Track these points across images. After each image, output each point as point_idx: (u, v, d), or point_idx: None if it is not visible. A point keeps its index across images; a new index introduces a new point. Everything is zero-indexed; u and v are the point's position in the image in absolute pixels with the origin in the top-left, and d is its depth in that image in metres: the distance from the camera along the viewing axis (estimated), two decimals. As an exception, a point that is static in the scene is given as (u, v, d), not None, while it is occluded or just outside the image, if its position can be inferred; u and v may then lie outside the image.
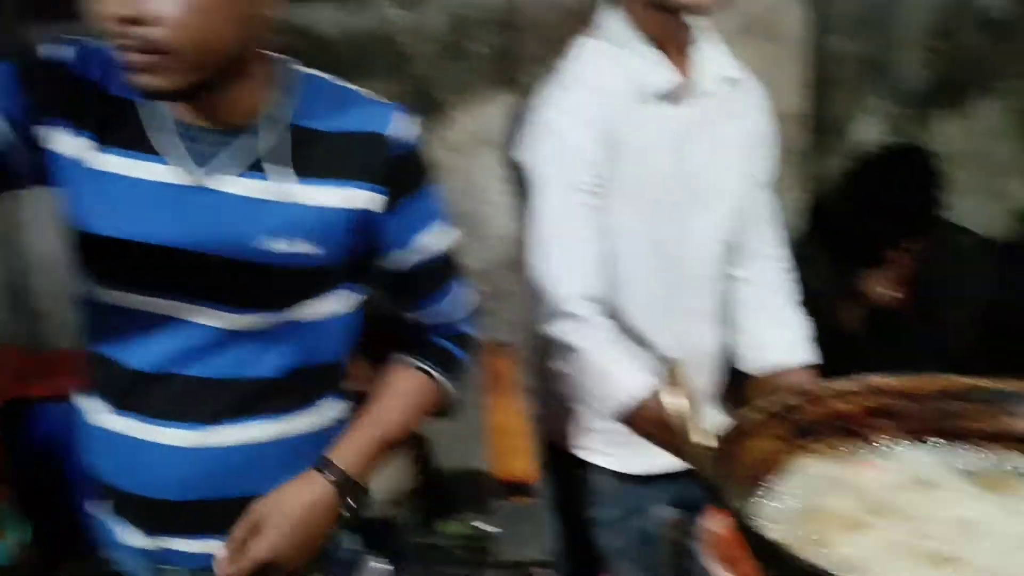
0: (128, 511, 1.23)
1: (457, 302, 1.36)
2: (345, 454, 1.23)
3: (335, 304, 1.24)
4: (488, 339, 1.04)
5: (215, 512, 1.19)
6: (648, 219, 1.59)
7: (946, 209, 2.52)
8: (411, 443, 3.05)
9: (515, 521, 0.71)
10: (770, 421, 0.98)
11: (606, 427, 1.56)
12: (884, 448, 1.01)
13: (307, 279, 1.19)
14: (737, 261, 1.75)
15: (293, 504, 1.17)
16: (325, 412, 1.29)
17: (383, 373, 1.32)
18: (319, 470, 1.20)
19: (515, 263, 3.12)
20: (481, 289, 3.13)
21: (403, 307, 1.34)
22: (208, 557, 1.18)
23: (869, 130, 2.92)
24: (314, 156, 1.17)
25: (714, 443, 0.86)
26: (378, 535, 2.83)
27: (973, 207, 2.85)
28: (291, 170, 1.16)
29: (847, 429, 1.03)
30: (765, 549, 0.71)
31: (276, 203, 1.15)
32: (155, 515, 1.20)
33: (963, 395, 1.03)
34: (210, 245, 1.13)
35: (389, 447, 1.28)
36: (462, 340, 1.37)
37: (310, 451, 1.23)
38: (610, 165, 1.54)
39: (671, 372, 0.84)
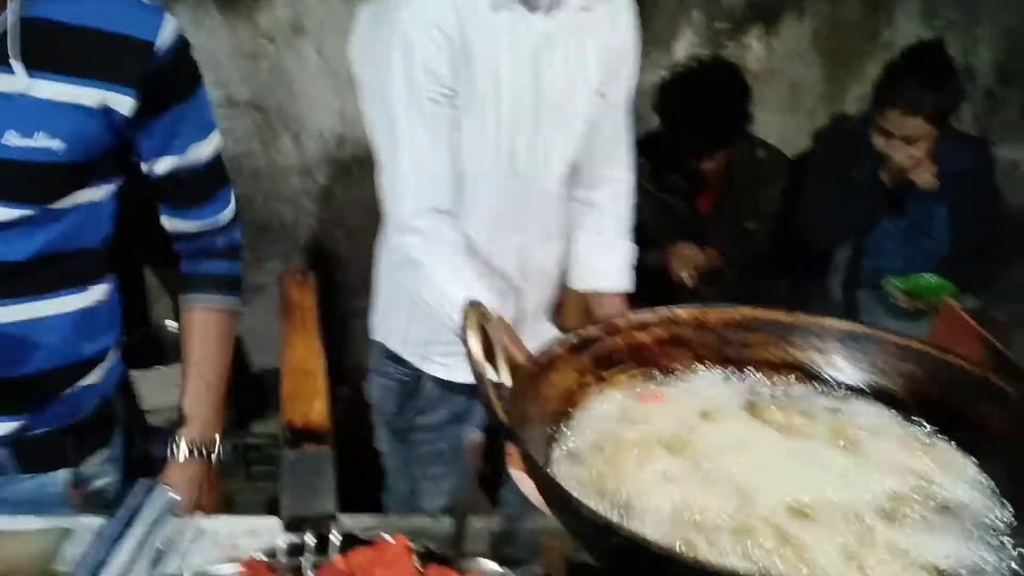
0: None
1: (222, 211, 1.41)
2: (198, 426, 1.38)
3: (90, 195, 1.26)
4: (287, 269, 0.99)
5: None
6: (498, 133, 1.54)
7: (750, 124, 2.65)
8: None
9: (302, 472, 0.69)
10: (571, 354, 1.00)
11: (437, 338, 1.58)
12: (677, 379, 1.06)
13: (51, 174, 1.18)
14: (582, 182, 1.75)
15: (188, 488, 1.34)
16: (90, 296, 1.33)
17: (186, 323, 1.42)
18: (174, 455, 1.37)
19: (333, 160, 3.06)
20: (301, 187, 2.99)
21: (168, 212, 1.39)
22: None
23: (690, 46, 2.98)
24: (55, 49, 1.14)
25: (510, 384, 0.86)
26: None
27: (776, 123, 3.01)
28: (21, 63, 1.12)
29: (643, 360, 1.07)
30: (552, 493, 0.73)
31: (9, 95, 1.12)
32: None
33: (750, 325, 1.10)
34: None
35: (222, 387, 1.44)
36: (232, 252, 1.45)
37: (74, 333, 1.30)
38: (461, 74, 1.48)
39: (469, 312, 0.82)
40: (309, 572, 0.66)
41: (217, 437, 1.41)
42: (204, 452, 1.38)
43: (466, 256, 1.55)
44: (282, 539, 0.68)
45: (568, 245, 1.79)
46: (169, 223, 1.40)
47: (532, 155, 1.60)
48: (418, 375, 1.76)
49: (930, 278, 2.57)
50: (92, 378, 1.37)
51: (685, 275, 2.65)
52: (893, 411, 1.00)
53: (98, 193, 1.28)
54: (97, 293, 1.35)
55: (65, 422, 1.35)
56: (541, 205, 1.67)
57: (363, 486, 1.67)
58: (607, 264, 1.78)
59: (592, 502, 0.83)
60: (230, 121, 2.90)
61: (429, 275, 1.50)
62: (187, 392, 1.40)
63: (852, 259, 2.71)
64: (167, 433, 1.46)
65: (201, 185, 1.37)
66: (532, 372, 0.93)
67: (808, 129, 3.16)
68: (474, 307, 0.82)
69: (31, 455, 1.32)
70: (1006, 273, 2.76)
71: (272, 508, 2.94)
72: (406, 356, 1.76)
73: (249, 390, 3.11)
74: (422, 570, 0.65)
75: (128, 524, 1.06)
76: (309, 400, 0.78)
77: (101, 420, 1.41)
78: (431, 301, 1.52)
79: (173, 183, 1.33)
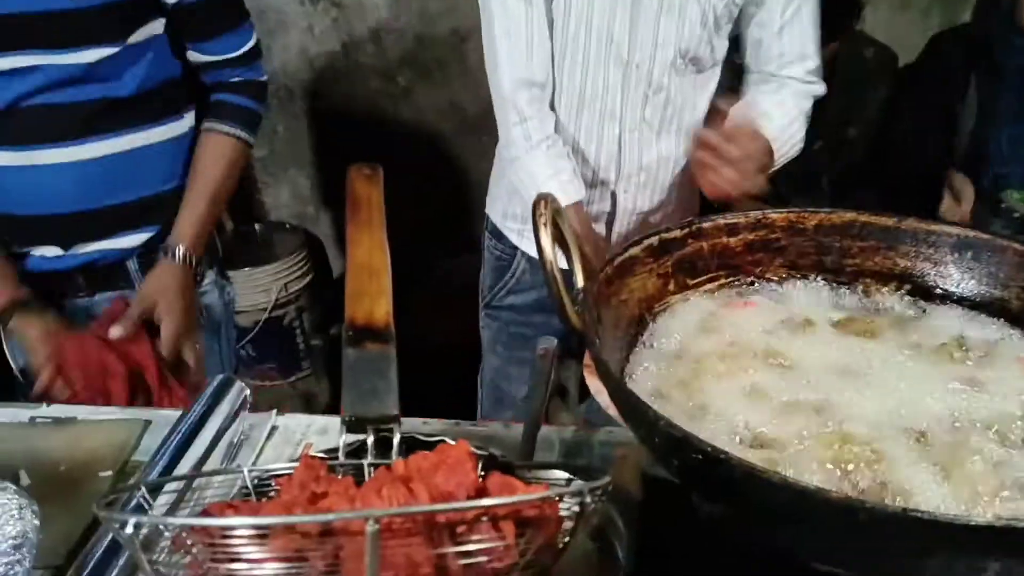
0: (32, 232, 1.48)
1: (240, 46, 1.52)
2: (187, 235, 1.50)
3: (152, 28, 1.43)
4: (354, 165, 0.95)
5: (107, 217, 1.48)
6: (590, 11, 1.47)
7: (859, 19, 2.45)
8: (305, 246, 2.98)
9: (363, 371, 0.66)
10: (652, 257, 0.93)
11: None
12: (770, 288, 0.99)
13: (114, 12, 1.36)
14: (763, 59, 1.58)
15: (174, 290, 1.49)
16: (185, 122, 1.55)
17: (200, 145, 1.54)
18: (172, 257, 1.49)
19: (414, 61, 2.98)
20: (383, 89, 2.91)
21: (190, 43, 1.50)
22: (118, 253, 1.53)
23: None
24: None
25: (584, 286, 0.81)
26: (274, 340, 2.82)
27: (887, 21, 2.78)
28: None
29: (732, 266, 0.99)
30: (626, 403, 0.68)
31: None
32: (57, 228, 1.47)
33: (852, 231, 1.00)
34: (15, 5, 1.31)
35: (218, 210, 1.58)
36: (252, 88, 1.57)
37: (172, 156, 1.54)
38: None
39: (540, 206, 0.76)
40: (368, 473, 0.63)
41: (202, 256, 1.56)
42: (192, 262, 1.50)
43: (557, 146, 1.53)
44: (344, 439, 0.65)
45: (690, 144, 1.66)
46: (191, 55, 1.52)
47: (633, 40, 1.49)
48: (514, 252, 1.77)
49: None
50: None
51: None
52: (1012, 327, 0.90)
53: (156, 27, 1.44)
54: (190, 119, 1.55)
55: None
56: (643, 96, 1.55)
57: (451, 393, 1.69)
58: (778, 112, 1.56)
59: (669, 413, 0.78)
60: (309, 18, 2.85)
61: (520, 156, 1.53)
62: (187, 204, 1.51)
63: (969, 173, 2.51)
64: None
65: (212, 16, 1.47)
66: (610, 275, 0.87)
67: (921, 29, 2.90)
68: (546, 201, 0.76)
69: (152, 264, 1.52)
70: None
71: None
72: (505, 231, 1.78)
73: (331, 293, 3.15)
74: (484, 477, 0.61)
75: (204, 417, 1.07)
76: (373, 298, 0.74)
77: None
78: (518, 183, 1.56)
79: (186, 13, 1.44)
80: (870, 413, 0.78)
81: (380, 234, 0.83)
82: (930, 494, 0.67)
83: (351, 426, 0.65)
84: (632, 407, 0.67)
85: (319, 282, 3.07)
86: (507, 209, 1.76)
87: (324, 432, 1.12)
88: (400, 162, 3.08)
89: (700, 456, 0.61)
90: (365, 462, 0.64)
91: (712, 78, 1.62)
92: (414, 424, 1.10)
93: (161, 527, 0.55)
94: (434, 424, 1.17)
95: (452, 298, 2.26)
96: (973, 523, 0.54)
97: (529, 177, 1.53)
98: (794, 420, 0.77)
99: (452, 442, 0.64)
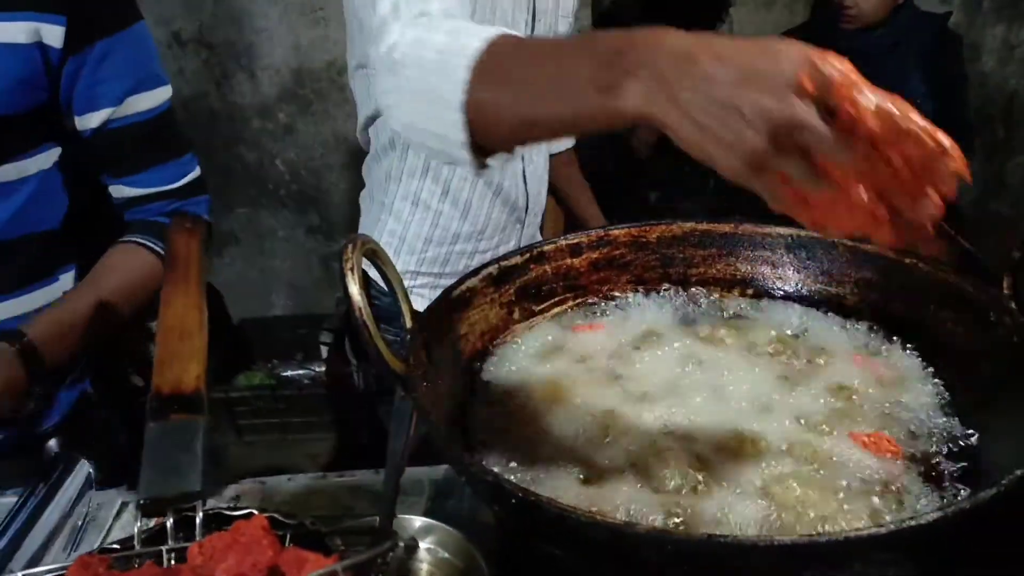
0: None
1: (179, 178, 1.22)
2: (38, 324, 1.09)
3: (37, 163, 1.11)
4: (176, 218, 0.90)
5: None
6: None
7: (727, 18, 2.51)
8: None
9: (166, 445, 0.62)
10: (491, 287, 0.91)
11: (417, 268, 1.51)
12: (616, 306, 0.98)
13: None
14: None
15: None
16: (60, 287, 1.19)
17: (108, 253, 1.19)
18: (11, 340, 1.06)
19: (292, 96, 2.93)
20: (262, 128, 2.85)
21: (110, 175, 1.20)
22: None
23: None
24: None
25: (412, 326, 0.78)
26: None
27: (753, 19, 2.85)
28: None
29: (576, 286, 0.98)
30: (443, 452, 0.65)
31: None
32: None
33: (694, 241, 1.00)
34: None
35: (100, 321, 1.14)
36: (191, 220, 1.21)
37: None
38: None
39: (350, 247, 0.72)
40: (168, 559, 0.59)
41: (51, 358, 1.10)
42: (29, 356, 1.06)
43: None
44: (138, 525, 0.61)
45: None
46: (115, 190, 1.21)
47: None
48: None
49: None
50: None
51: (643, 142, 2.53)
52: (846, 320, 0.91)
53: (43, 160, 1.13)
54: (67, 283, 1.20)
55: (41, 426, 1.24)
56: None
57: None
58: None
59: (505, 449, 0.76)
60: (179, 62, 2.77)
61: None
62: (52, 307, 1.14)
63: None
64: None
65: (145, 146, 1.18)
66: (443, 311, 0.85)
67: (787, 26, 3.00)
68: (355, 243, 0.72)
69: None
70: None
71: (261, 463, 2.91)
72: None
73: (230, 343, 3.06)
74: (284, 549, 0.58)
75: (46, 501, 1.00)
76: (183, 363, 0.70)
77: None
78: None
79: (110, 142, 1.15)
80: (710, 426, 0.77)
81: (196, 291, 0.78)
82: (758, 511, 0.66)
83: (147, 510, 0.61)
84: (449, 458, 0.64)
85: (216, 333, 2.97)
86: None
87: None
88: (288, 198, 3.05)
89: (514, 501, 0.59)
90: (164, 548, 0.60)
91: None
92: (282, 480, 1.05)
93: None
94: (299, 479, 1.13)
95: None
96: (776, 543, 0.53)
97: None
98: (635, 442, 0.76)
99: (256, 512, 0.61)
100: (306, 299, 3.18)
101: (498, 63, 0.68)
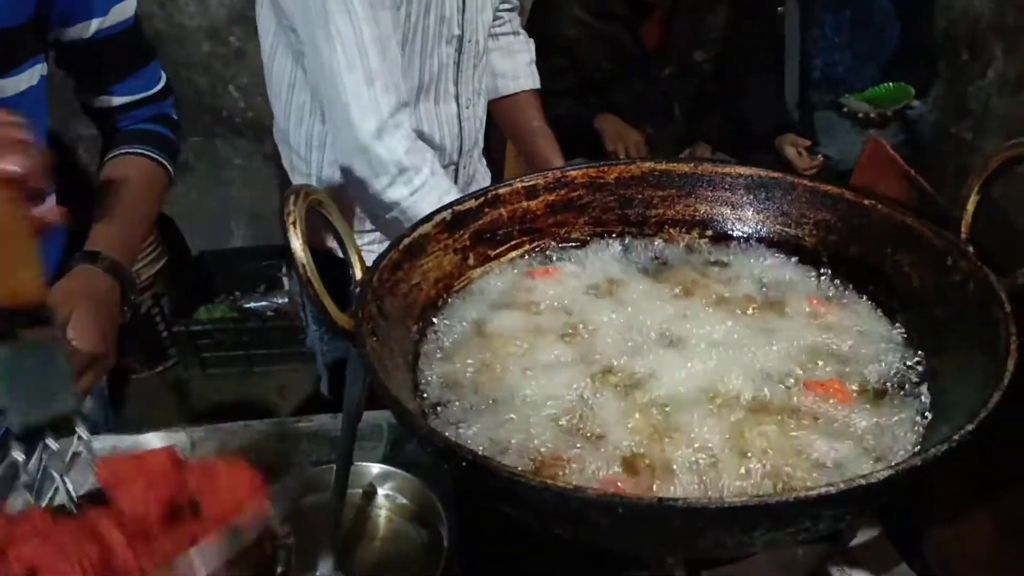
0: None
1: (154, 84, 1.28)
2: (111, 246, 1.11)
3: (25, 79, 1.10)
4: None
5: None
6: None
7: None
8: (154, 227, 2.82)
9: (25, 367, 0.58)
10: (445, 233, 0.89)
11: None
12: (571, 246, 0.96)
13: None
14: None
15: (93, 295, 1.06)
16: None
17: (106, 169, 1.21)
18: (92, 263, 1.09)
19: (243, 18, 2.80)
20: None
21: (98, 90, 1.23)
22: None
23: None
24: None
25: (362, 278, 0.75)
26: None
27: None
28: None
29: (533, 229, 0.96)
30: (393, 409, 0.64)
31: None
32: None
33: (653, 181, 0.98)
34: None
35: (141, 239, 1.22)
36: (167, 120, 1.30)
37: None
38: None
39: (292, 198, 0.69)
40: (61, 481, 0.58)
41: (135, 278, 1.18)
42: (124, 277, 1.11)
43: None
44: (19, 458, 0.58)
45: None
46: (98, 101, 1.24)
47: (463, 13, 1.42)
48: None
49: (886, 86, 2.52)
50: None
51: (620, 148, 2.47)
52: (803, 264, 0.90)
53: (32, 76, 1.11)
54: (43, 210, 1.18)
55: None
56: (473, 67, 1.50)
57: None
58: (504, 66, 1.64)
59: (464, 405, 0.75)
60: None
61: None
62: (102, 217, 1.15)
63: (801, 68, 2.59)
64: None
65: (129, 52, 1.23)
66: (396, 260, 0.82)
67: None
68: (297, 194, 0.69)
69: None
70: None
71: (228, 398, 2.88)
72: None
73: (191, 274, 3.01)
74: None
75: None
76: (10, 269, 0.62)
77: None
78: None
79: (101, 51, 1.19)
80: (667, 375, 0.77)
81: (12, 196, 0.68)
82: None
83: (24, 439, 0.58)
84: (400, 417, 0.63)
85: (176, 264, 2.91)
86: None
87: (135, 450, 1.04)
88: (244, 125, 2.95)
89: (465, 463, 0.58)
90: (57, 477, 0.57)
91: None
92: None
93: None
94: (256, 424, 1.12)
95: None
96: (727, 505, 0.52)
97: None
98: (593, 392, 0.75)
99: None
100: (267, 229, 3.11)
101: None
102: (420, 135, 1.41)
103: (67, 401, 0.59)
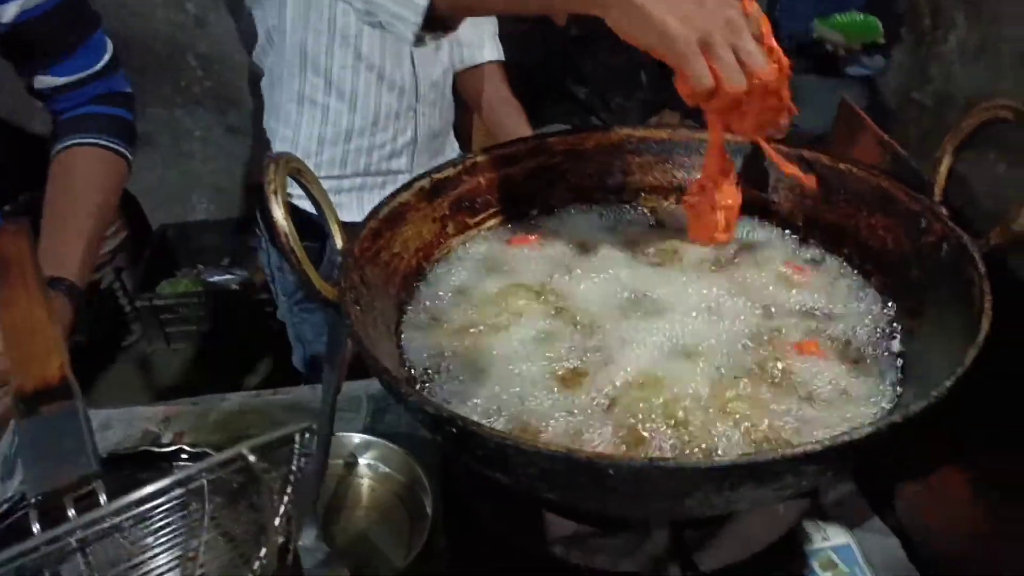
0: None
1: (96, 61, 1.20)
2: (69, 264, 1.09)
3: None
4: (8, 223, 0.82)
5: None
6: None
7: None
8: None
9: (45, 439, 0.59)
10: (424, 201, 0.88)
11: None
12: (552, 217, 0.96)
13: None
14: None
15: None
16: None
17: (57, 165, 1.16)
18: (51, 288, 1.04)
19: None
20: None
21: (31, 69, 1.17)
22: None
23: None
24: None
25: (343, 247, 0.75)
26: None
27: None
28: None
29: (512, 196, 0.96)
30: (384, 383, 0.63)
31: None
32: None
33: (630, 147, 0.98)
34: None
35: (99, 246, 1.17)
36: (118, 98, 1.23)
37: None
38: None
39: (272, 167, 0.68)
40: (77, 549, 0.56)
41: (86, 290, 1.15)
42: (80, 299, 1.10)
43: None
44: (36, 527, 0.57)
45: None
46: (38, 83, 1.18)
47: None
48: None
49: (854, 14, 2.52)
50: None
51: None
52: (780, 229, 0.91)
53: None
54: None
55: None
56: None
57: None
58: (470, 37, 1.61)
59: (447, 373, 0.75)
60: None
61: None
62: (59, 228, 1.12)
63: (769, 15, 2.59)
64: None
65: (60, 32, 1.16)
66: (376, 228, 0.81)
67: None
68: (278, 162, 0.68)
69: None
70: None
71: (194, 372, 2.83)
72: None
73: (152, 250, 2.95)
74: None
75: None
76: (41, 360, 0.65)
77: None
78: None
79: (28, 33, 1.12)
80: (648, 340, 0.77)
81: (36, 289, 0.71)
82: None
83: (43, 506, 0.57)
84: (388, 386, 0.63)
85: (137, 238, 2.86)
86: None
87: (106, 427, 1.03)
88: (204, 96, 2.89)
89: (455, 430, 0.58)
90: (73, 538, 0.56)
91: None
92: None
93: None
94: (233, 398, 1.11)
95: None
96: (715, 464, 0.53)
97: None
98: (576, 359, 0.76)
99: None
100: (230, 202, 3.05)
101: None
102: (380, 75, 1.42)
103: (87, 463, 0.59)
